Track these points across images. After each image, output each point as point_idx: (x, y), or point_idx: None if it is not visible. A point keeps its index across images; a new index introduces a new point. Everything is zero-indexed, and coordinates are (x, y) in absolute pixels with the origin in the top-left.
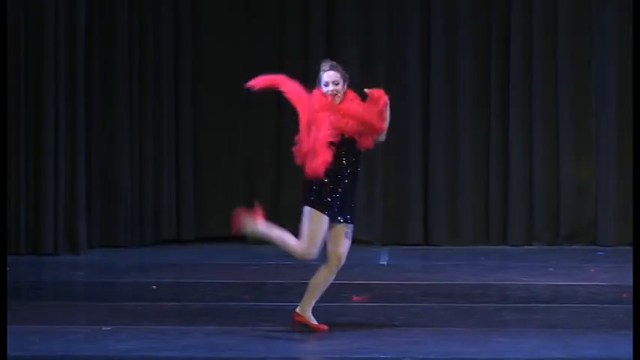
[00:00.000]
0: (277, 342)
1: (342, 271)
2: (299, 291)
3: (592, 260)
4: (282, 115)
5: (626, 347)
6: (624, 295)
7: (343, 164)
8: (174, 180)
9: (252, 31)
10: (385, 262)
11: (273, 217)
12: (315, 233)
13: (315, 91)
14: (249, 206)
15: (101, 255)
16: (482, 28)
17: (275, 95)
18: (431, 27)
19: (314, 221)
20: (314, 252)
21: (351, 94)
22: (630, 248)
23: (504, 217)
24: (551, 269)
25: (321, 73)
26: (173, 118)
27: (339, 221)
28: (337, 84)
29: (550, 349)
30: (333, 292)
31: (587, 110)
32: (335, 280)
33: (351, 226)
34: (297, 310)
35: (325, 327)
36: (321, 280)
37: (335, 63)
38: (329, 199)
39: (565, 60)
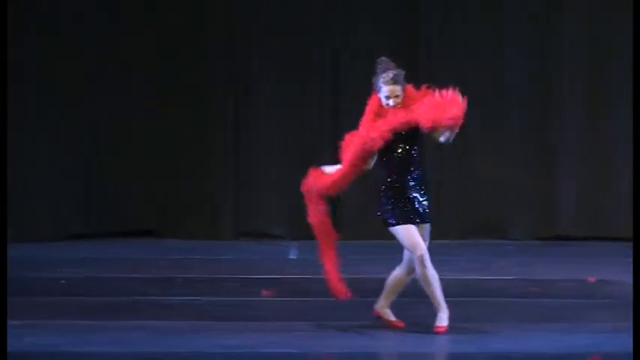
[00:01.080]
0: (188, 336)
1: (252, 266)
2: (209, 285)
3: (502, 254)
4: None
5: (534, 341)
6: (532, 288)
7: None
8: (93, 174)
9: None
10: (295, 257)
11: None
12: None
13: (372, 99)
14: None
15: (11, 250)
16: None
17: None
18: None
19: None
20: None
21: (410, 91)
22: (540, 242)
23: None
24: (461, 263)
25: (382, 82)
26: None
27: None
28: (398, 96)
29: (461, 342)
30: (242, 287)
31: (495, 105)
32: (244, 274)
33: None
34: (376, 306)
35: (402, 324)
36: (394, 280)
37: (395, 73)
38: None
39: (462, 59)
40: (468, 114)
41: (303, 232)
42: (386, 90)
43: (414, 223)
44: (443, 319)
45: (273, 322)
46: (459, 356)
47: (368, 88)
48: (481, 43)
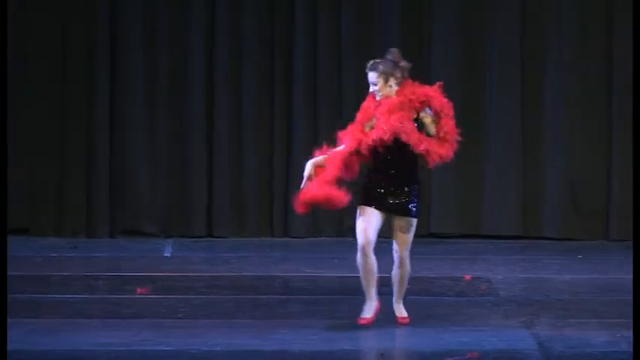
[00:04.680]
0: (63, 334)
1: (126, 264)
2: (84, 283)
3: (377, 252)
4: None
5: (412, 339)
6: (408, 286)
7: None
8: None
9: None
10: (169, 254)
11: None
12: None
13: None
14: None
15: None
16: (266, 27)
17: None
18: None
19: None
20: None
21: (407, 88)
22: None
23: (288, 210)
24: (336, 261)
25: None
26: None
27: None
28: (375, 84)
29: (336, 340)
30: (117, 285)
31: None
32: (119, 272)
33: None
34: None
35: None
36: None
37: (377, 60)
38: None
39: (349, 58)
40: (343, 105)
41: (177, 230)
42: (368, 76)
43: (369, 206)
44: (364, 311)
45: (149, 319)
46: (335, 353)
47: (241, 87)
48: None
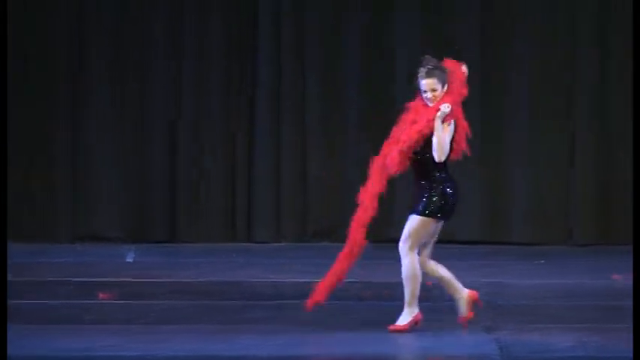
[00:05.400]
0: (25, 340)
1: (88, 269)
2: (46, 288)
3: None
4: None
5: (375, 345)
6: (369, 292)
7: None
8: None
9: None
10: (131, 260)
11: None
12: None
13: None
14: None
15: None
16: (230, 33)
17: None
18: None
19: None
20: None
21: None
22: (376, 245)
23: (251, 215)
24: (298, 266)
25: (419, 78)
26: None
27: None
28: (435, 90)
29: (297, 346)
30: (79, 291)
31: (335, 108)
32: (81, 277)
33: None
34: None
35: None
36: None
37: (431, 66)
38: None
39: (314, 57)
40: (307, 111)
41: (139, 235)
42: (423, 84)
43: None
44: (401, 319)
45: (112, 325)
46: (299, 359)
47: (205, 92)
48: None
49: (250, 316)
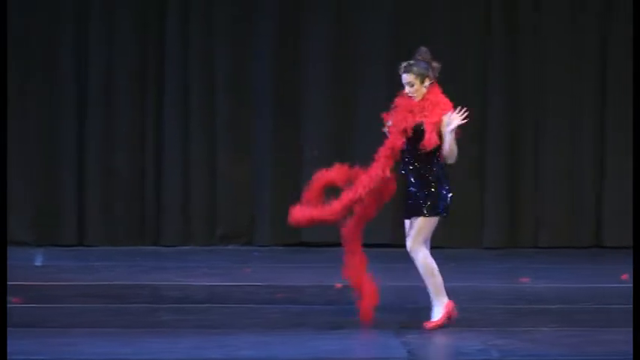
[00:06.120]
0: None
1: None
2: None
3: (247, 260)
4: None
5: (282, 347)
6: (278, 295)
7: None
8: None
9: None
10: (40, 263)
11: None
12: None
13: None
14: None
15: None
16: (138, 27)
17: None
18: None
19: None
20: None
21: (432, 94)
22: (285, 248)
23: (159, 218)
24: (206, 269)
25: (400, 73)
26: None
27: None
28: (412, 85)
29: (205, 349)
30: None
31: (244, 109)
32: None
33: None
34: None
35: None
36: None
37: (410, 62)
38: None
39: (222, 59)
40: (213, 112)
41: (48, 239)
42: (403, 78)
43: (406, 217)
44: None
45: (20, 328)
46: None
47: (113, 96)
48: None
49: (158, 319)
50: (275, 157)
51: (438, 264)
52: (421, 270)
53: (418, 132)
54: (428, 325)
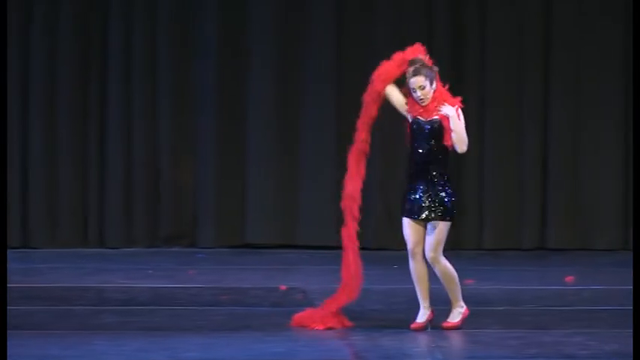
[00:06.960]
0: None
1: None
2: None
3: (191, 262)
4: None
5: (226, 349)
6: (223, 297)
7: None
8: None
9: None
10: None
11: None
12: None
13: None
14: None
15: None
16: (81, 28)
17: None
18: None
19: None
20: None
21: (439, 94)
22: (230, 250)
23: (102, 219)
24: (150, 271)
25: (408, 77)
26: None
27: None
28: (423, 88)
29: (150, 351)
30: None
31: (187, 110)
32: None
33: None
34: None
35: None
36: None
37: (417, 66)
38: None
39: (164, 59)
40: (156, 113)
41: None
42: (412, 82)
43: (409, 217)
44: (451, 317)
45: None
46: None
47: (57, 107)
48: None
49: (102, 321)
50: (218, 158)
51: (382, 266)
52: (443, 278)
53: (434, 130)
54: (446, 325)
